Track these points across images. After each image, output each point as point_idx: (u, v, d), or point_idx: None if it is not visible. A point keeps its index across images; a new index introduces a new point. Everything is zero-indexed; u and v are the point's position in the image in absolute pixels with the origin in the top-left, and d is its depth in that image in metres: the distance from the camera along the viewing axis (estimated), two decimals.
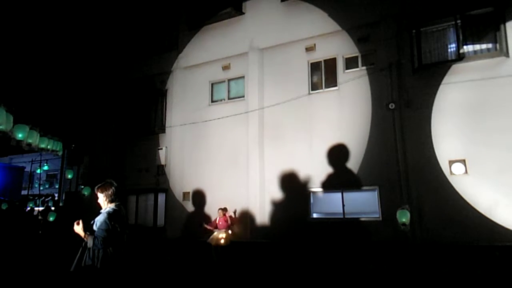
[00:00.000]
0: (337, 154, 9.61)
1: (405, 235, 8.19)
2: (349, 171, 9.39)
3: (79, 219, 3.74)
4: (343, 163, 9.51)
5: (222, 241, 9.23)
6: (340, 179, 9.49)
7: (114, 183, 4.05)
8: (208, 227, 9.59)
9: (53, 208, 15.29)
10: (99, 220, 3.78)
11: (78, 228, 3.70)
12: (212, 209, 10.20)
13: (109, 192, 3.95)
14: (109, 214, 3.81)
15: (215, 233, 9.39)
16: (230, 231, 9.52)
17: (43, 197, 22.98)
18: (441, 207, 8.22)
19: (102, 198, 3.96)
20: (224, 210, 9.65)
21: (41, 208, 17.61)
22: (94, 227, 3.76)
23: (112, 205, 3.94)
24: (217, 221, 9.52)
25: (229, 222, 9.46)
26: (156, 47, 13.07)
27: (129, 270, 4.10)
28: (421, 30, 9.12)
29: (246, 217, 10.39)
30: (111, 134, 13.49)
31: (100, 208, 3.97)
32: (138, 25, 13.52)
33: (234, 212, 10.13)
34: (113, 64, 13.86)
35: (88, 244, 3.66)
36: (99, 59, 14.14)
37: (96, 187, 4.02)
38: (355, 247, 8.74)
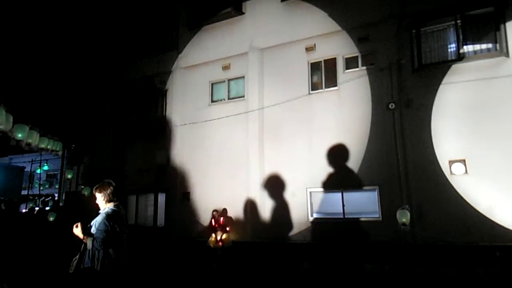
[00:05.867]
0: (337, 154, 9.60)
1: (405, 235, 8.18)
2: (349, 171, 9.38)
3: (77, 222, 3.72)
4: (343, 163, 9.50)
5: (221, 243, 9.25)
6: (340, 179, 9.49)
7: (113, 183, 4.01)
8: (210, 232, 9.66)
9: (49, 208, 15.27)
10: (97, 221, 3.75)
11: (77, 231, 3.68)
12: (212, 209, 10.18)
13: (107, 192, 3.92)
14: (108, 214, 3.78)
15: (213, 235, 9.43)
16: (227, 229, 9.54)
17: (43, 197, 22.96)
18: (441, 207, 8.21)
19: (100, 198, 3.93)
20: (216, 211, 9.79)
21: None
22: (93, 229, 3.73)
23: (111, 205, 3.91)
24: (213, 224, 9.58)
25: (222, 222, 9.50)
26: (156, 47, 13.06)
27: (129, 271, 4.08)
28: (421, 30, 9.12)
29: (246, 217, 10.40)
30: (111, 134, 13.49)
31: (99, 208, 3.94)
32: (138, 25, 13.51)
33: (224, 211, 10.12)
34: (113, 64, 13.85)
35: (87, 246, 3.64)
36: (99, 59, 14.14)
37: (94, 187, 3.99)
38: (355, 247, 8.74)
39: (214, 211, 9.83)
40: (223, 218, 9.65)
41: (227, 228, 9.54)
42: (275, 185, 10.31)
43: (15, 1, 12.42)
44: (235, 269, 8.85)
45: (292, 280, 7.61)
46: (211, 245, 9.31)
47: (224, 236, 9.33)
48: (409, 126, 8.86)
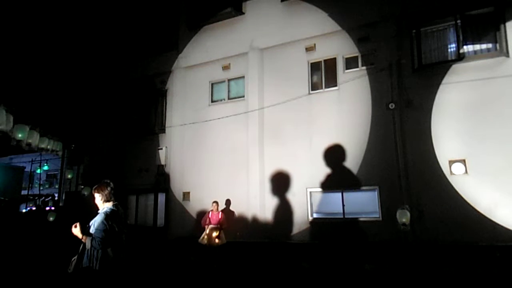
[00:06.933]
0: (337, 154, 9.60)
1: (405, 235, 8.18)
2: (349, 171, 9.38)
3: (76, 222, 3.73)
4: (343, 163, 9.50)
5: (217, 240, 8.69)
6: (340, 179, 9.49)
7: (111, 183, 4.03)
8: (204, 225, 9.01)
9: (53, 208, 15.31)
10: (96, 221, 3.76)
11: (76, 231, 3.68)
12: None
13: (105, 192, 3.94)
14: (106, 214, 3.80)
15: (208, 231, 8.82)
16: (221, 226, 8.89)
17: (43, 197, 23.00)
18: (441, 207, 8.21)
19: (98, 198, 3.95)
20: (216, 203, 9.12)
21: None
22: (92, 228, 3.74)
23: (109, 205, 3.92)
24: (209, 216, 8.97)
25: (220, 217, 8.90)
26: (156, 47, 13.07)
27: (128, 270, 4.09)
28: (421, 30, 9.13)
29: (245, 217, 10.41)
30: (111, 134, 13.50)
31: (98, 208, 3.96)
32: (138, 25, 13.52)
33: (227, 202, 10.05)
34: (113, 64, 13.87)
35: (86, 246, 3.65)
36: (99, 59, 14.15)
37: (93, 188, 4.01)
38: (355, 247, 8.74)
39: (214, 202, 9.13)
40: (222, 214, 9.10)
41: (223, 226, 8.92)
42: (275, 185, 10.31)
43: (15, 1, 12.43)
44: (234, 269, 8.83)
45: (292, 280, 7.60)
46: (205, 243, 8.76)
47: (218, 233, 8.75)
48: (409, 126, 8.86)
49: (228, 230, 9.31)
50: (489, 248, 7.57)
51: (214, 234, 8.79)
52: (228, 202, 10.22)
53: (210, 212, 9.07)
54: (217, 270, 8.59)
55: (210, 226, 8.89)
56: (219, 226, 8.89)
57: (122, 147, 13.20)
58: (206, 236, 8.84)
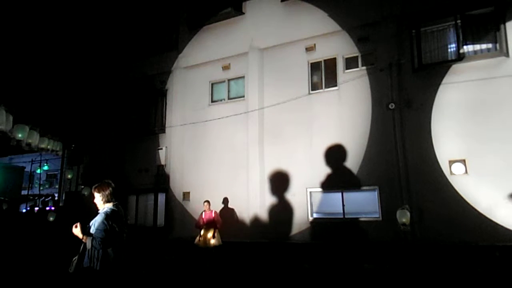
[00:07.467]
0: (337, 154, 9.60)
1: (405, 235, 8.19)
2: (349, 171, 9.39)
3: (77, 222, 3.72)
4: (343, 163, 9.51)
5: (212, 241, 8.54)
6: (340, 179, 9.49)
7: (112, 184, 4.02)
8: (198, 226, 8.86)
9: (53, 208, 15.31)
10: (96, 220, 3.76)
11: (77, 231, 3.68)
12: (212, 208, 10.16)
13: (106, 193, 3.93)
14: (107, 214, 3.79)
15: (202, 232, 8.66)
16: (216, 226, 8.70)
17: (43, 197, 22.98)
18: (441, 207, 8.21)
19: (98, 198, 3.94)
20: (208, 202, 8.93)
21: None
22: (92, 228, 3.74)
23: (110, 205, 3.92)
24: (202, 216, 8.82)
25: (214, 216, 8.72)
26: (156, 47, 13.08)
27: (129, 270, 4.09)
28: (421, 30, 9.13)
29: (245, 217, 10.40)
30: (111, 134, 13.49)
31: (98, 208, 3.95)
32: (138, 25, 13.52)
33: (225, 201, 10.00)
34: (113, 64, 13.86)
35: (86, 246, 3.65)
36: (99, 59, 14.14)
37: (93, 187, 4.00)
38: (355, 247, 8.74)
39: (205, 201, 8.94)
40: (215, 212, 8.93)
41: (217, 225, 8.72)
42: (275, 185, 10.31)
43: (15, 1, 12.43)
44: (234, 269, 8.83)
45: (292, 280, 7.61)
46: (201, 245, 8.63)
47: (214, 233, 8.60)
48: (409, 126, 8.87)
49: (227, 229, 9.26)
50: (489, 248, 7.57)
51: (209, 235, 8.64)
52: (225, 201, 10.23)
53: (203, 213, 8.90)
54: (210, 270, 8.50)
55: (205, 227, 8.73)
56: (214, 226, 8.70)
57: (122, 147, 13.20)
58: (201, 238, 8.67)
